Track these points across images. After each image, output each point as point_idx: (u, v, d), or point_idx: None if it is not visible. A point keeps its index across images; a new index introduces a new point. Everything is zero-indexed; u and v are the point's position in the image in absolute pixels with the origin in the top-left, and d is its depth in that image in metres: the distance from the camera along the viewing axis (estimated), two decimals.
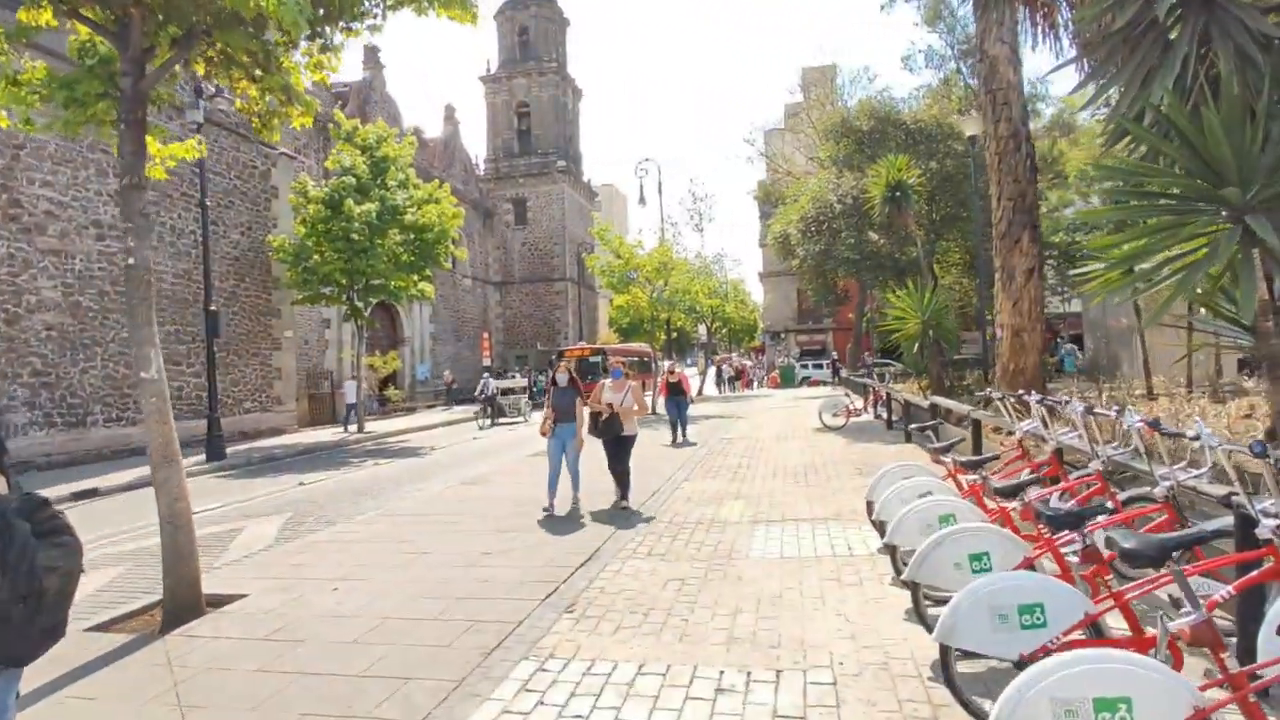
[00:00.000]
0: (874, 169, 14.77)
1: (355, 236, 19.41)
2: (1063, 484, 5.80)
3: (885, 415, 14.89)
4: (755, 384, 43.49)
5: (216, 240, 20.15)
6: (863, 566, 5.47)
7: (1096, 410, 5.66)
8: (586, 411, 8.46)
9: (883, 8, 29.96)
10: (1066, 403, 5.73)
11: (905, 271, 15.80)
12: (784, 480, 9.30)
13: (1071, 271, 20.21)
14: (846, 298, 31.55)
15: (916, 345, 12.55)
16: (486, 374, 19.32)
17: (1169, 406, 9.60)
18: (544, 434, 8.40)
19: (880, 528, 5.41)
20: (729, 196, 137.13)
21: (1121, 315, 15.78)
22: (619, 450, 8.47)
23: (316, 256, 19.97)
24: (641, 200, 27.79)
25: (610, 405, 8.40)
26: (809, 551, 5.99)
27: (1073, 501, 5.60)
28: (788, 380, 40.27)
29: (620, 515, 7.97)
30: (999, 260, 9.87)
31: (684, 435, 14.46)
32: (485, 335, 33.40)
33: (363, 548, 7.14)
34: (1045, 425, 6.15)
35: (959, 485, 5.77)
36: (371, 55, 38.78)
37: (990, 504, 5.11)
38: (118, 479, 13.41)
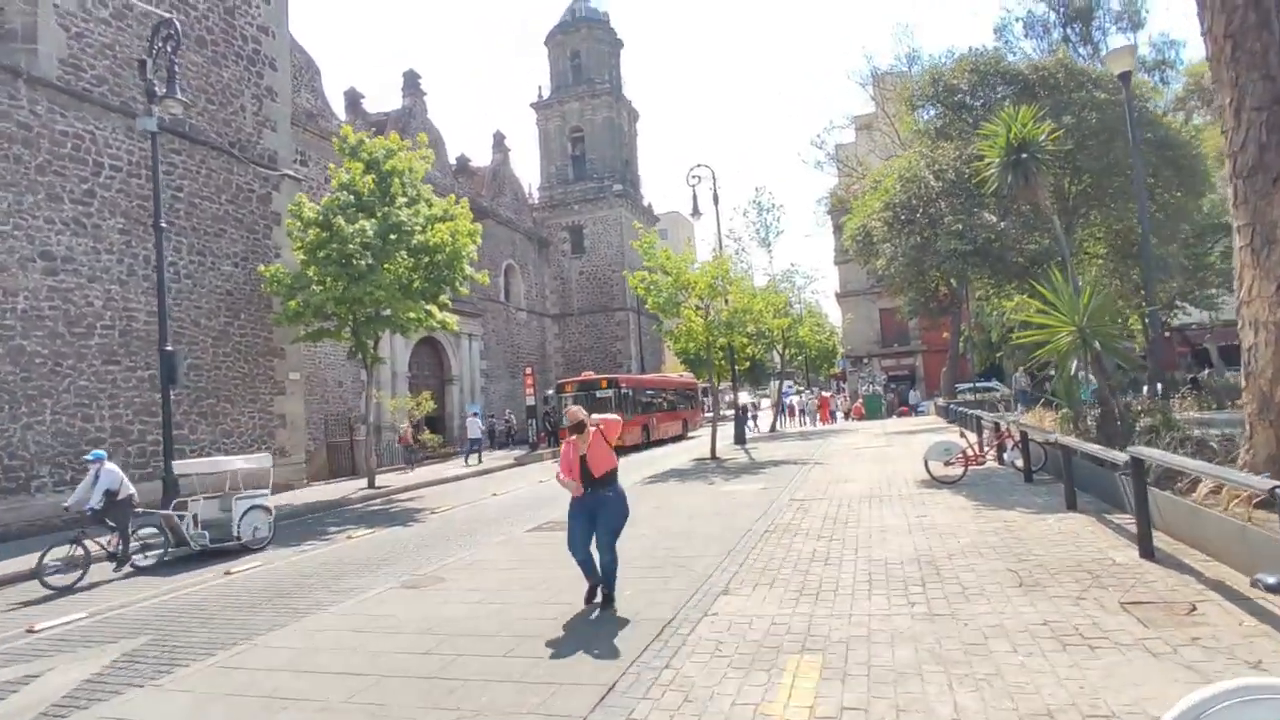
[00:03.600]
0: (987, 128, 10.86)
1: (354, 260, 16.63)
2: None
3: (1021, 463, 10.74)
4: (840, 416, 38.86)
5: (204, 272, 17.74)
6: None
7: None
8: None
9: None
10: None
11: (1037, 265, 11.73)
12: (889, 599, 5.47)
13: None
14: (951, 306, 26.72)
15: (1074, 363, 8.50)
16: (98, 456, 10.10)
17: None
18: None
19: None
20: (799, 212, 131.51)
21: None
22: None
23: (317, 286, 17.30)
24: (695, 212, 24.32)
25: None
26: None
27: None
28: (873, 411, 35.65)
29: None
30: (1243, 216, 5.87)
31: (609, 591, 6.03)
32: (528, 371, 30.35)
33: None
34: None
35: None
36: (412, 82, 37.09)
37: None
38: (13, 566, 10.51)
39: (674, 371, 44.30)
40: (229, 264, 18.40)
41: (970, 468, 10.91)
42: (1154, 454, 5.83)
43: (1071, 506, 8.12)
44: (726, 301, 20.08)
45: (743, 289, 20.60)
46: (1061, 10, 24.70)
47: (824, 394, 40.67)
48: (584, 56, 51.78)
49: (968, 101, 13.76)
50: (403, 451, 23.35)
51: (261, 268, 18.05)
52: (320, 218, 16.99)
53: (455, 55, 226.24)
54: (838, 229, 44.06)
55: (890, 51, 49.01)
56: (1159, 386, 16.59)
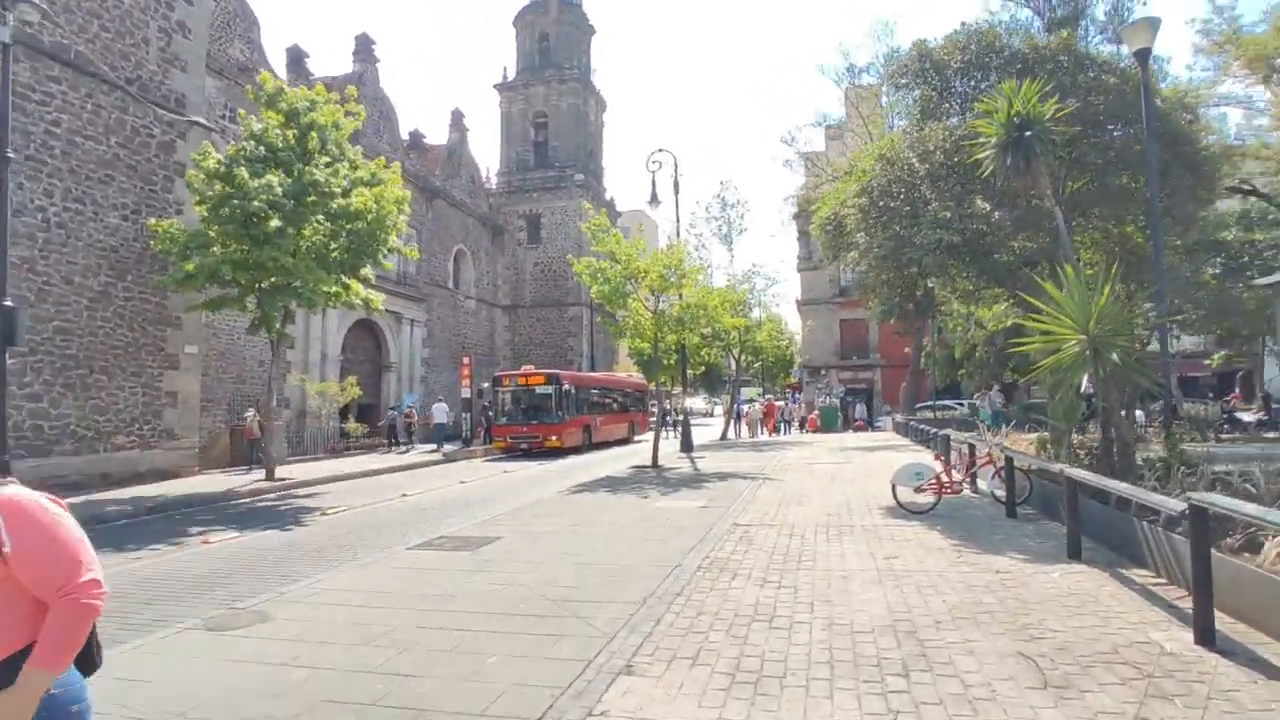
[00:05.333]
0: (984, 102, 9.36)
1: (258, 220, 14.46)
2: None
3: (1002, 493, 9.24)
4: (789, 427, 37.35)
5: (82, 223, 15.41)
6: None
7: None
8: None
9: None
10: None
11: (1031, 266, 10.28)
12: (860, 699, 3.77)
13: (1262, 280, 14.44)
14: (932, 308, 24.99)
15: (1084, 378, 6.95)
16: None
17: None
18: None
19: None
20: (764, 213, 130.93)
21: None
22: None
23: (217, 248, 15.13)
24: (653, 199, 22.61)
25: None
26: None
27: None
28: (829, 424, 34.38)
29: None
30: None
31: None
32: (465, 360, 28.28)
33: None
34: None
35: None
36: (363, 46, 34.78)
37: None
38: None
39: (625, 371, 42.62)
40: (115, 215, 16.06)
41: (945, 495, 9.35)
42: (1227, 503, 4.23)
43: (1075, 555, 6.56)
44: (680, 295, 18.43)
45: (697, 283, 18.95)
46: (1045, 16, 23.66)
47: (773, 401, 39.08)
48: (553, 39, 49.80)
49: (956, 85, 12.30)
50: (249, 448, 20.18)
51: (152, 222, 15.76)
52: (222, 169, 14.81)
53: (416, 27, 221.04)
54: (802, 235, 42.85)
55: (868, 50, 47.92)
56: (1139, 414, 15.38)
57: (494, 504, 12.45)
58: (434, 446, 26.02)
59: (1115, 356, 6.72)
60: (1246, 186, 25.66)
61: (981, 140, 9.33)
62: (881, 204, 10.78)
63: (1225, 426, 19.81)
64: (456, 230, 41.20)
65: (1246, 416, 20.19)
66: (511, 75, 49.90)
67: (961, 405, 28.71)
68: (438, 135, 44.17)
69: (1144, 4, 23.69)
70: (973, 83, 12.04)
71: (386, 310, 33.22)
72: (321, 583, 6.75)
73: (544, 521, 9.74)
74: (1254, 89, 26.99)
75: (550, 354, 45.08)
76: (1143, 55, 9.39)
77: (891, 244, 10.47)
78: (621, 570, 6.77)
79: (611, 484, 13.80)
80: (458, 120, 43.31)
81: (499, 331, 45.98)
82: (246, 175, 14.36)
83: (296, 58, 30.18)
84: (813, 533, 8.28)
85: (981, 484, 10.60)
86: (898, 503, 9.47)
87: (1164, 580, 5.82)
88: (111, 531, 10.98)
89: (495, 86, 49.94)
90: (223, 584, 7.34)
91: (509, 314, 46.72)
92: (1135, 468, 7.90)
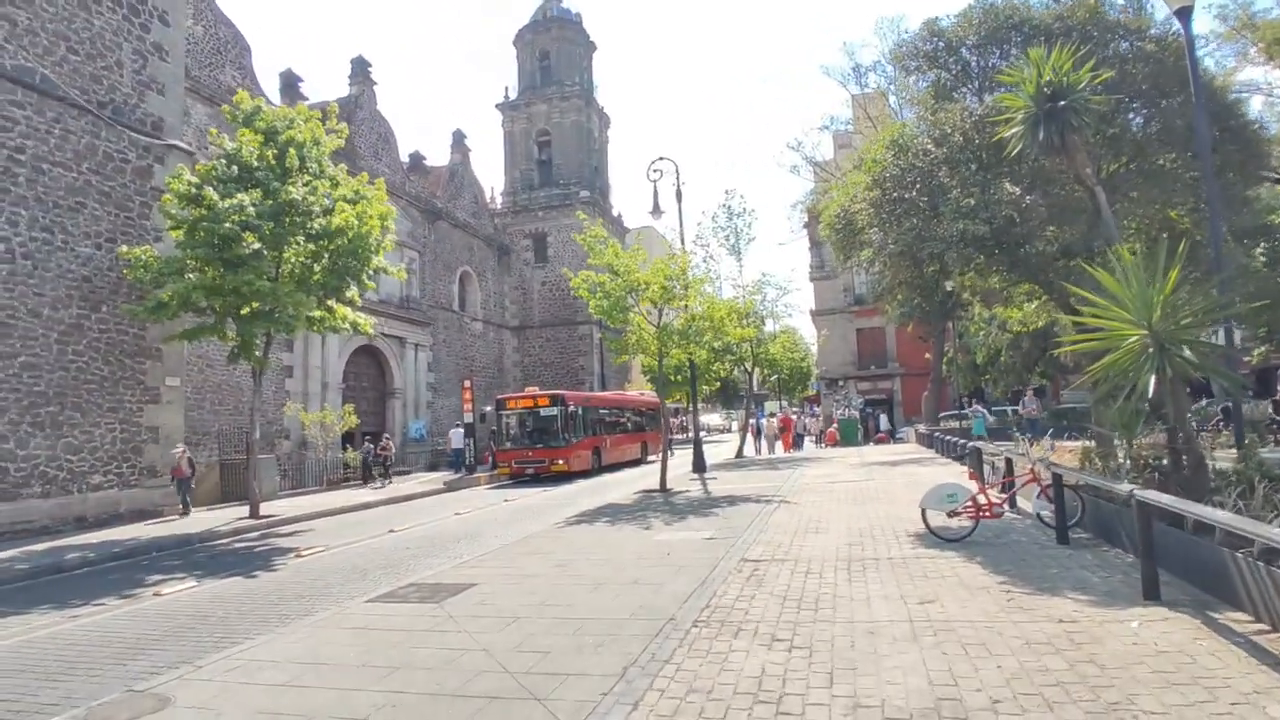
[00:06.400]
0: (1009, 73, 8.31)
1: (231, 243, 13.64)
2: None
3: (1049, 515, 8.06)
4: (805, 441, 35.90)
5: (51, 252, 14.66)
6: None
7: None
8: None
9: None
10: None
11: (1068, 257, 9.16)
12: None
13: None
14: (954, 309, 23.37)
15: (1151, 379, 5.82)
16: None
17: None
18: None
19: None
20: (774, 220, 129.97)
21: None
22: None
23: (191, 274, 14.37)
24: (655, 209, 21.68)
25: None
26: None
27: None
28: (849, 437, 33.03)
29: None
30: None
31: None
32: (466, 384, 27.32)
33: None
34: None
35: None
36: (360, 69, 34.34)
37: None
38: None
39: (638, 389, 41.55)
40: (88, 245, 15.32)
41: (983, 519, 8.19)
42: None
43: (1152, 596, 5.40)
44: (685, 307, 17.39)
45: (703, 294, 17.89)
46: (1061, 3, 22.57)
47: (788, 414, 37.71)
48: (554, 58, 49.39)
49: (972, 64, 11.25)
50: (178, 486, 16.51)
51: (123, 249, 15.00)
52: (193, 190, 14.02)
53: (415, 50, 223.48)
54: (814, 245, 41.78)
55: (874, 49, 46.91)
56: (1192, 420, 14.09)
57: (482, 539, 11.41)
58: (450, 472, 25.59)
59: (1188, 353, 5.59)
60: (1275, 175, 24.23)
61: (1007, 116, 8.26)
62: (895, 195, 9.71)
63: (1275, 427, 18.38)
64: (461, 252, 40.54)
65: None
66: (513, 94, 49.49)
67: (978, 413, 27.14)
68: (440, 157, 43.78)
69: None
70: (991, 61, 10.98)
71: (389, 335, 32.66)
72: (252, 650, 5.72)
73: (529, 561, 8.67)
74: (1274, 73, 25.75)
75: (561, 374, 44.22)
76: (1184, 14, 8.32)
77: (908, 238, 9.38)
78: (605, 627, 5.69)
79: (613, 513, 12.70)
80: (459, 141, 42.84)
81: (508, 353, 45.15)
82: (215, 196, 13.56)
83: (290, 82, 29.69)
84: (832, 569, 7.15)
85: (1023, 503, 9.41)
86: (928, 529, 8.31)
87: (1267, 627, 4.67)
88: (64, 583, 10.07)
89: (497, 106, 49.53)
90: (149, 651, 6.34)
91: (518, 335, 45.91)
92: (1209, 484, 6.73)
